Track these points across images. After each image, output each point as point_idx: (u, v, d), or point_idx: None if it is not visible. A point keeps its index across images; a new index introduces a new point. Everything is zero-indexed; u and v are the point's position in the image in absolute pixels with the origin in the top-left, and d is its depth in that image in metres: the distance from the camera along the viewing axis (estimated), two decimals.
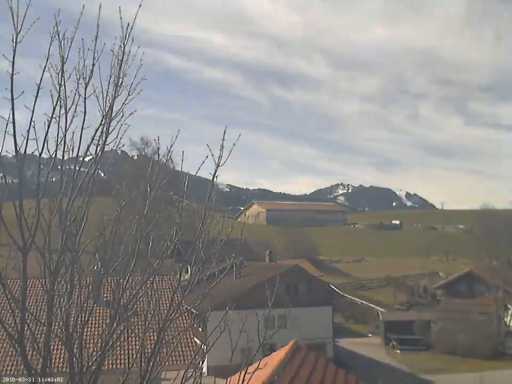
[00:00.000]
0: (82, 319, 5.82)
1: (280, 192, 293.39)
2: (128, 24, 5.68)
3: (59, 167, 5.81)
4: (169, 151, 6.13)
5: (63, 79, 5.59)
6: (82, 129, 5.74)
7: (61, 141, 5.65)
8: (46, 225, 5.56)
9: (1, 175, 5.79)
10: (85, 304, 5.87)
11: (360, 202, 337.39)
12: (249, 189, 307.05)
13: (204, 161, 5.67)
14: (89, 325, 6.01)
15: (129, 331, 6.21)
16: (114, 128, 5.89)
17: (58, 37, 5.50)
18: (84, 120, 5.73)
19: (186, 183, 6.54)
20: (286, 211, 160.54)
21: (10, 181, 5.86)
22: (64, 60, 5.58)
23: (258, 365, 6.43)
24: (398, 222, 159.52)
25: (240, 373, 6.00)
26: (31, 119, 5.43)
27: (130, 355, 6.08)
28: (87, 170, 6.07)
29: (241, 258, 55.84)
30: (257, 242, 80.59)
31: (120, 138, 5.94)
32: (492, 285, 56.42)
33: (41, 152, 5.59)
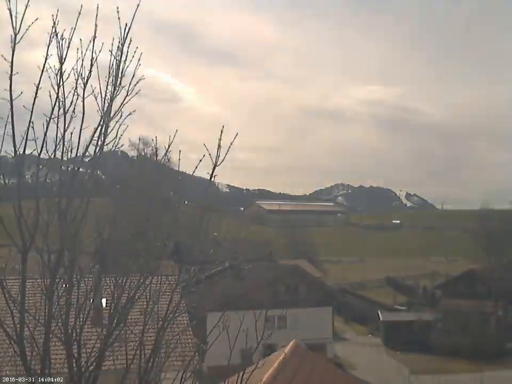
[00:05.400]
0: (81, 319, 5.81)
1: (280, 192, 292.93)
2: (126, 24, 5.68)
3: (59, 168, 5.81)
4: (167, 151, 6.13)
5: (61, 79, 5.59)
6: (81, 129, 5.74)
7: (60, 141, 5.65)
8: (45, 225, 5.56)
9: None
10: (84, 305, 5.87)
11: (360, 202, 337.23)
12: (249, 189, 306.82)
13: (200, 160, 5.66)
14: (88, 325, 6.01)
15: (128, 331, 6.21)
16: (113, 128, 5.89)
17: (57, 37, 5.50)
18: (83, 120, 5.74)
19: (184, 183, 6.54)
20: (286, 211, 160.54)
21: (9, 181, 5.86)
22: (63, 60, 5.57)
23: (256, 365, 6.42)
24: (398, 221, 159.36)
25: (239, 373, 5.99)
26: (30, 119, 5.43)
27: (130, 355, 6.08)
28: (86, 170, 6.06)
29: (241, 258, 55.82)
30: (257, 242, 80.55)
31: (119, 139, 5.94)
32: (491, 285, 56.39)
33: (40, 153, 5.59)
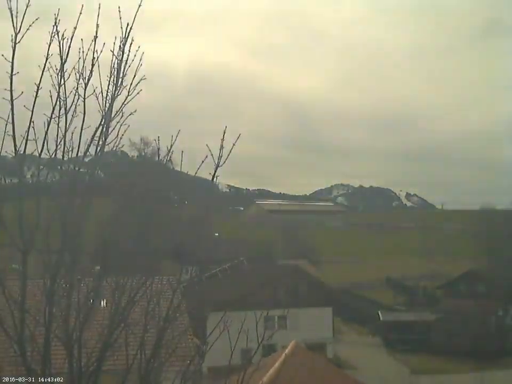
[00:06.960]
0: (82, 319, 5.80)
1: (280, 192, 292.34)
2: (128, 24, 5.66)
3: (59, 168, 5.80)
4: (169, 151, 6.10)
5: (62, 79, 5.57)
6: (82, 129, 5.73)
7: (61, 141, 5.64)
8: (46, 225, 5.54)
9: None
10: (85, 305, 5.86)
11: (360, 202, 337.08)
12: (249, 189, 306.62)
13: (203, 161, 5.64)
14: (89, 326, 5.99)
15: (129, 332, 6.19)
16: (114, 128, 5.88)
17: (58, 36, 5.49)
18: (84, 120, 5.72)
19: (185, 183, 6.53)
20: (285, 211, 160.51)
21: (10, 181, 5.85)
22: (64, 60, 5.56)
23: (258, 366, 6.41)
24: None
25: (240, 374, 5.98)
26: (31, 119, 5.42)
27: (130, 355, 6.07)
28: (87, 170, 6.05)
29: (242, 258, 55.85)
30: (257, 242, 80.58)
31: (120, 139, 5.92)
32: (491, 285, 56.41)
33: (41, 153, 5.57)
